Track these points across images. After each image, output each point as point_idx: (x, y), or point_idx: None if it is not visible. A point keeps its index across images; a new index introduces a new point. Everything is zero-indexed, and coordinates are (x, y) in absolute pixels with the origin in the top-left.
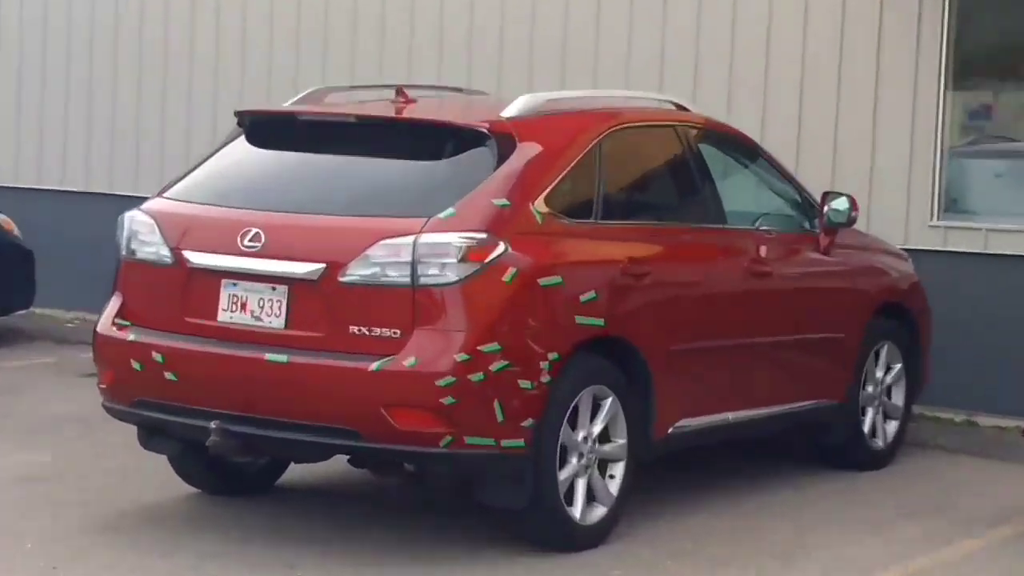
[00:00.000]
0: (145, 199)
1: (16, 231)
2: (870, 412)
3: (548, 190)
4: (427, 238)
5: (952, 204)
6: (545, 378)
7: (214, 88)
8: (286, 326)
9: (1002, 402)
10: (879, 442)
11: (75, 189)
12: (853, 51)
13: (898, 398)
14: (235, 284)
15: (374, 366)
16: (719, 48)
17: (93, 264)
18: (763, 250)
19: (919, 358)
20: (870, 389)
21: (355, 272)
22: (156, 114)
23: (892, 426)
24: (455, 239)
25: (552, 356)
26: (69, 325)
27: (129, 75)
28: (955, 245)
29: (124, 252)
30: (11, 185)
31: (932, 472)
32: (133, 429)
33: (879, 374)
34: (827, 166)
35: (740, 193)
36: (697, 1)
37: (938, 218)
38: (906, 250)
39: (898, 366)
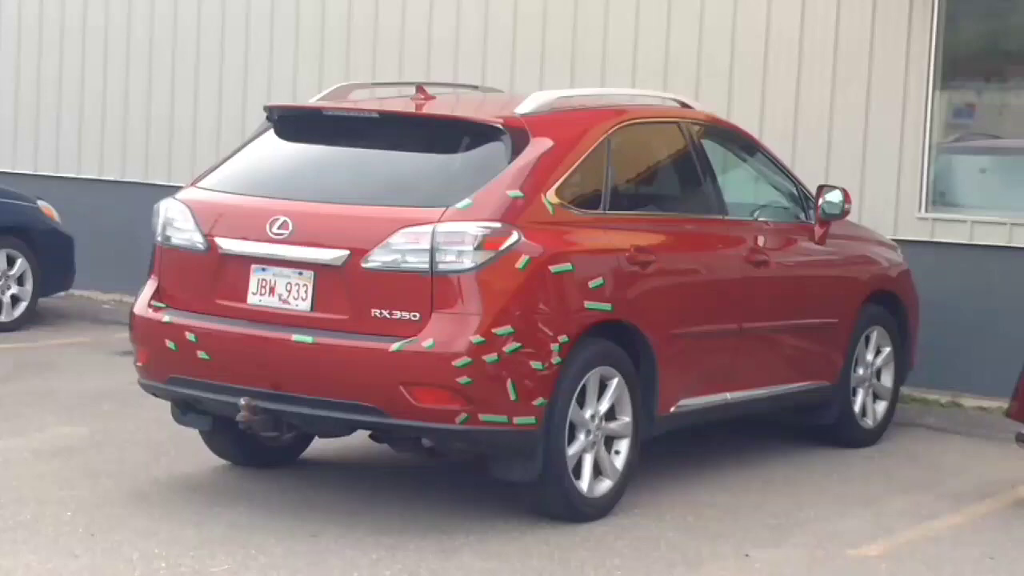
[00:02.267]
0: (178, 188)
1: (56, 217)
2: (861, 393)
3: (559, 182)
4: (445, 227)
5: (939, 197)
6: (556, 359)
7: (243, 85)
8: (312, 309)
9: (985, 383)
10: (869, 421)
11: (112, 178)
12: (847, 54)
13: (887, 380)
14: (264, 269)
15: (394, 347)
16: (720, 49)
17: (129, 249)
18: (761, 240)
19: (907, 342)
20: (861, 371)
21: (377, 258)
22: (189, 109)
23: (881, 406)
24: (472, 228)
25: (562, 339)
26: (106, 306)
27: (163, 74)
28: (942, 236)
29: (159, 238)
30: (52, 174)
31: (919, 450)
32: (167, 405)
33: (870, 357)
34: (821, 161)
35: (740, 186)
36: (700, 6)
37: (926, 210)
38: (896, 240)
39: (888, 350)
